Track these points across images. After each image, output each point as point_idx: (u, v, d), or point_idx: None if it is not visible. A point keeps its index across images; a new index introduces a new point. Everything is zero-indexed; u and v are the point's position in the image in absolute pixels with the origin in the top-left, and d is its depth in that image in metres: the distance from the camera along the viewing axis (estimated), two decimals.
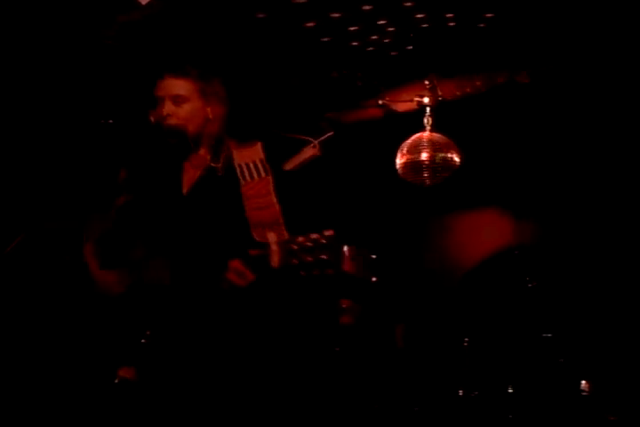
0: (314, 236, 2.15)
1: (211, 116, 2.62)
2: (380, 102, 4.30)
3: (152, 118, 2.53)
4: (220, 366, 2.41)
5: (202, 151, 2.64)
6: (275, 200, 2.45)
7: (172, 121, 2.56)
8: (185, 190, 2.61)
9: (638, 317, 3.72)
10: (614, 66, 3.91)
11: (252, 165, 2.56)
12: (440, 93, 4.12)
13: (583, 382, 3.54)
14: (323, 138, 2.93)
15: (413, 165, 4.00)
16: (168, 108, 2.57)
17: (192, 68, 2.61)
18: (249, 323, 2.46)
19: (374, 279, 4.13)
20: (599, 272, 3.90)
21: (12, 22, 3.53)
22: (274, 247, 2.21)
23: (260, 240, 2.33)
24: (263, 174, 2.52)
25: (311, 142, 2.75)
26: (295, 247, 2.17)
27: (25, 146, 3.80)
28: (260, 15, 3.63)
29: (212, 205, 2.53)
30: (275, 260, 2.20)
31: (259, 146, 2.60)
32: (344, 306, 4.06)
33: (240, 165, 2.57)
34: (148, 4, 3.26)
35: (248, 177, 2.54)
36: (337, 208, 2.47)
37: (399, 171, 4.08)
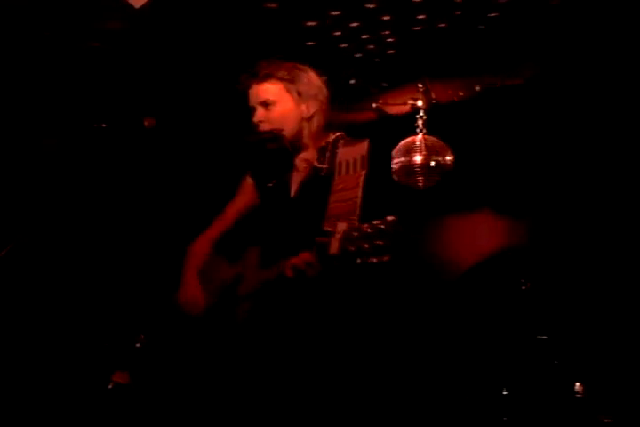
0: (376, 222, 2.08)
1: (306, 115, 2.53)
2: (374, 105, 4.30)
3: (146, 123, 2.50)
4: (220, 370, 2.40)
5: (308, 152, 2.57)
6: (359, 194, 2.32)
7: (266, 126, 2.50)
8: (293, 193, 2.56)
9: (632, 318, 3.73)
10: (607, 67, 3.92)
11: (351, 161, 2.44)
12: (433, 96, 4.12)
13: (577, 383, 3.55)
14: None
15: (407, 168, 4.00)
16: (259, 114, 2.51)
17: (273, 67, 2.52)
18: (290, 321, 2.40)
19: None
20: (593, 274, 3.91)
21: (4, 25, 3.53)
22: (337, 235, 2.15)
23: (329, 229, 2.23)
24: (359, 168, 2.40)
25: (375, 138, 2.66)
26: (356, 234, 2.10)
27: (19, 150, 3.80)
28: (250, 16, 3.63)
29: (314, 204, 2.43)
30: (334, 247, 2.14)
31: (366, 143, 2.47)
32: None
33: (341, 162, 2.47)
34: (140, 8, 3.25)
35: (344, 172, 2.43)
36: (383, 210, 2.42)
37: (392, 174, 4.08)
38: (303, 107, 2.53)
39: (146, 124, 2.51)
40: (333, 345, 2.43)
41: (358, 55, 4.11)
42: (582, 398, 3.51)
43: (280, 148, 2.50)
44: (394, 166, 4.05)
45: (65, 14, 3.50)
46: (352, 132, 4.52)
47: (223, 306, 2.47)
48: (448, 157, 4.03)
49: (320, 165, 2.52)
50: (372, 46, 3.98)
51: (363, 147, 2.46)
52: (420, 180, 4.01)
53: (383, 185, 2.46)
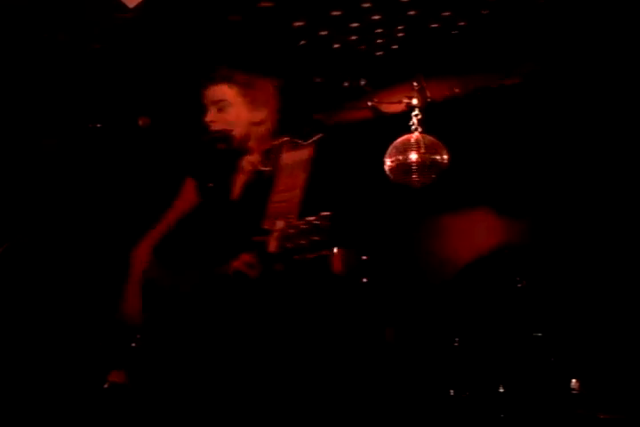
0: (310, 218, 2.14)
1: (256, 120, 2.61)
2: (369, 104, 4.31)
3: (140, 122, 2.52)
4: (214, 367, 2.42)
5: (253, 155, 2.63)
6: (299, 194, 2.38)
7: (217, 126, 2.57)
8: (235, 195, 2.61)
9: (628, 315, 3.74)
10: (605, 66, 3.93)
11: (293, 165, 2.51)
12: (428, 95, 4.13)
13: (573, 380, 3.56)
14: (312, 140, 2.94)
15: (402, 167, 4.01)
16: (212, 114, 2.58)
17: (232, 72, 2.60)
18: (241, 323, 2.45)
19: (365, 280, 4.13)
20: (589, 271, 3.91)
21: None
22: (275, 233, 2.21)
23: (268, 228, 2.29)
24: (300, 172, 2.46)
25: (319, 144, 2.72)
26: (292, 231, 2.16)
27: (14, 150, 3.80)
28: (244, 16, 3.63)
29: (256, 207, 2.46)
30: (272, 245, 2.20)
31: (311, 148, 2.53)
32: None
33: (283, 165, 2.52)
34: (135, 7, 3.25)
35: (285, 174, 2.49)
36: (326, 210, 2.49)
37: (388, 172, 4.09)
38: (254, 112, 2.61)
39: (140, 123, 2.52)
40: (287, 343, 2.49)
41: (354, 53, 4.11)
42: (579, 395, 3.52)
43: (228, 148, 2.56)
44: (389, 165, 4.06)
45: (61, 16, 3.50)
46: (348, 130, 4.54)
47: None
48: (444, 156, 4.04)
49: (264, 168, 2.59)
50: (367, 45, 3.99)
51: (306, 152, 2.52)
52: (416, 178, 4.02)
53: (327, 187, 2.52)
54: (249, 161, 2.63)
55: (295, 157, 2.51)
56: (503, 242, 4.32)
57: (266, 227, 2.30)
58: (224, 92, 2.59)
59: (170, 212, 2.76)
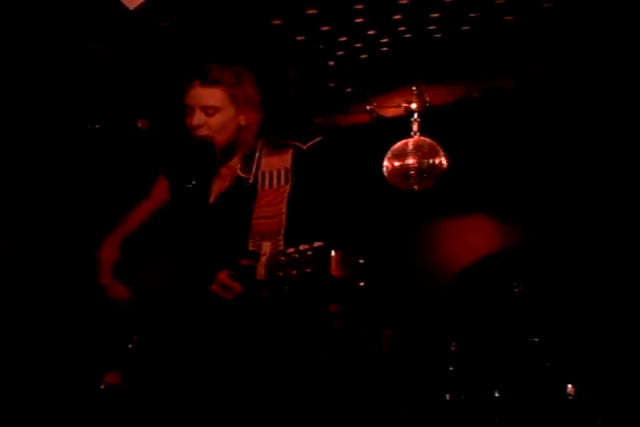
0: (302, 247, 2.09)
1: (244, 124, 2.53)
2: (368, 108, 4.32)
3: (139, 124, 2.49)
4: (208, 371, 2.41)
5: (234, 161, 2.56)
6: (284, 210, 2.35)
7: (203, 131, 2.48)
8: (212, 200, 2.55)
9: (624, 320, 3.74)
10: (602, 70, 3.94)
11: (275, 173, 2.47)
12: (427, 99, 4.14)
13: (569, 385, 3.56)
14: (311, 143, 2.94)
15: (401, 171, 4.02)
16: (199, 118, 2.47)
17: (222, 72, 2.48)
18: (236, 328, 2.45)
19: (362, 284, 4.13)
20: (585, 276, 3.92)
21: None
22: (263, 259, 2.16)
23: (254, 249, 2.25)
24: (283, 183, 2.44)
25: (300, 148, 2.73)
26: (283, 259, 2.11)
27: (11, 150, 3.79)
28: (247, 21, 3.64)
29: (236, 215, 2.45)
30: (260, 272, 2.16)
31: (290, 153, 2.50)
32: (332, 311, 4.07)
33: (264, 173, 2.49)
34: (136, 8, 3.25)
35: (267, 185, 2.46)
36: (325, 213, 2.46)
37: (387, 176, 4.10)
38: (242, 116, 2.53)
39: (139, 125, 2.50)
40: (282, 347, 2.48)
41: (354, 58, 4.12)
42: (574, 401, 3.52)
43: (211, 154, 2.49)
44: (387, 169, 4.07)
45: (58, 16, 3.50)
46: (347, 134, 4.55)
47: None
48: (442, 160, 4.05)
49: (244, 175, 2.52)
50: (367, 49, 3.99)
51: (287, 158, 2.48)
52: (414, 182, 4.03)
53: (311, 200, 2.47)
54: (229, 167, 2.57)
55: (276, 164, 2.48)
56: (500, 247, 4.33)
57: (252, 248, 2.26)
58: (215, 96, 2.48)
59: (139, 209, 2.74)
